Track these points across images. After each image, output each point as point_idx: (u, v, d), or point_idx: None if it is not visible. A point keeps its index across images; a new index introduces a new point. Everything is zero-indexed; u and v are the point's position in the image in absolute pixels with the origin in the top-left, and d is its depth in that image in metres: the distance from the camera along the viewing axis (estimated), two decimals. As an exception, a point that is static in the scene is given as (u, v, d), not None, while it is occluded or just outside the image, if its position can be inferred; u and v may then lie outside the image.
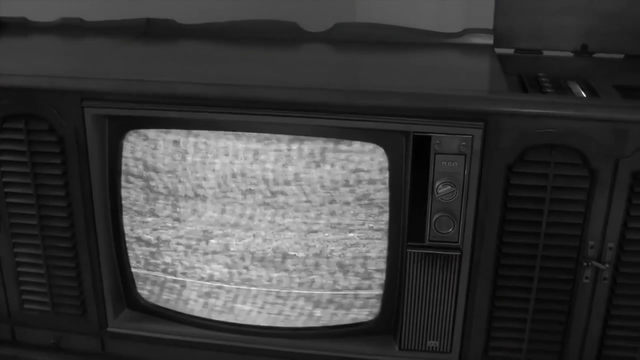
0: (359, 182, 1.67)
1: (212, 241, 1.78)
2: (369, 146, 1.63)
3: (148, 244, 1.82)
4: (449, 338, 1.77)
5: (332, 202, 1.69)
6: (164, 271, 1.84)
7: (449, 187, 1.62)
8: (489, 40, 2.05)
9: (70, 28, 2.25)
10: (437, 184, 1.62)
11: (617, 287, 1.67)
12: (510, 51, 2.05)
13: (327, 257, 1.75)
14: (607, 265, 1.64)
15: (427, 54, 2.03)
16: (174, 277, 1.85)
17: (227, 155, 1.68)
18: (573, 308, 1.70)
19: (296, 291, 1.80)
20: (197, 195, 1.74)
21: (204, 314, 1.88)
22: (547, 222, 1.62)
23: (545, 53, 2.03)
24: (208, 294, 1.85)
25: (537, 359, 1.77)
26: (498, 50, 2.02)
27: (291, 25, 2.14)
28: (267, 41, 2.12)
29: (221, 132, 1.67)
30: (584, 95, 1.77)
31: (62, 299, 1.91)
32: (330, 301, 1.80)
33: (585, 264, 1.65)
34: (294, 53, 2.08)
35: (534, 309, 1.71)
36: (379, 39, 2.11)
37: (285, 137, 1.65)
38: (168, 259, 1.83)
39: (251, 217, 1.73)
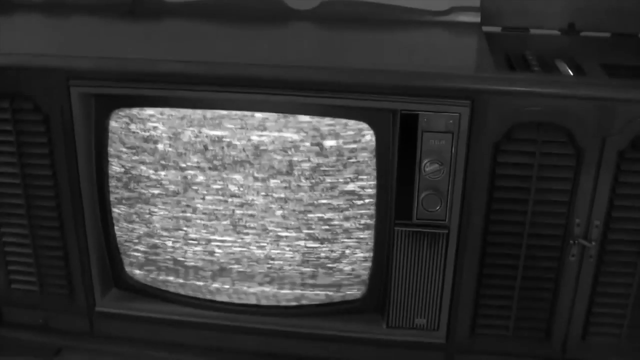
0: (347, 159, 1.67)
1: (200, 219, 1.78)
2: (356, 124, 1.63)
3: (135, 222, 1.82)
4: (437, 316, 1.78)
5: (319, 179, 1.69)
6: (152, 249, 1.84)
7: (437, 165, 1.62)
8: (476, 18, 2.05)
9: (55, 6, 2.22)
10: (425, 162, 1.62)
11: (603, 264, 1.68)
12: (498, 29, 2.04)
13: (314, 235, 1.75)
14: (593, 243, 1.65)
15: (414, 32, 2.02)
16: (161, 256, 1.85)
17: (214, 131, 1.68)
18: (559, 285, 1.71)
19: (284, 269, 1.81)
20: (184, 171, 1.73)
21: (192, 292, 1.88)
22: (534, 200, 1.63)
23: (533, 31, 2.03)
24: (196, 273, 1.85)
25: (524, 335, 1.78)
26: (485, 29, 2.02)
27: (277, 3, 2.13)
28: (253, 19, 2.11)
29: (209, 109, 1.67)
30: (571, 73, 1.77)
31: (50, 278, 1.91)
32: (318, 279, 1.81)
33: (571, 241, 1.66)
34: (280, 31, 2.07)
35: (521, 286, 1.72)
36: (366, 16, 2.10)
37: (273, 115, 1.65)
38: (156, 238, 1.82)
39: (237, 195, 1.73)
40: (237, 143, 1.68)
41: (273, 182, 1.71)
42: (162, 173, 1.74)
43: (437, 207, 1.66)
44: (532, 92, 1.57)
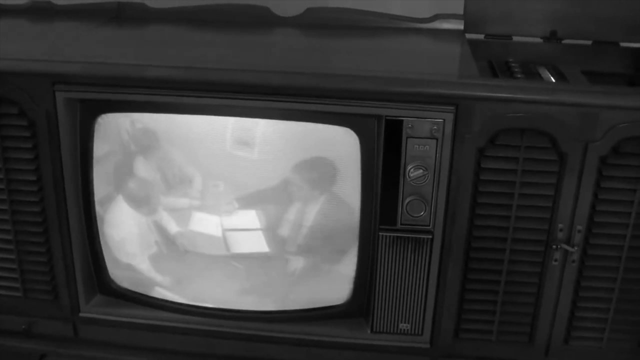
0: (331, 165, 1.68)
1: (183, 223, 1.78)
2: (341, 130, 1.64)
3: (120, 227, 1.82)
4: (421, 320, 1.79)
5: (303, 185, 1.70)
6: (136, 255, 1.84)
7: (421, 170, 1.63)
8: (459, 25, 2.06)
9: (40, 11, 2.22)
10: (409, 167, 1.63)
11: (585, 269, 1.70)
12: (481, 37, 2.06)
13: (299, 240, 1.75)
14: (575, 248, 1.67)
15: (399, 39, 2.03)
16: (145, 261, 1.84)
17: (198, 137, 1.68)
18: (542, 290, 1.73)
19: (268, 274, 1.81)
20: (168, 176, 1.73)
21: (175, 298, 1.88)
22: (517, 206, 1.64)
23: (515, 39, 2.04)
24: (180, 278, 1.85)
25: (508, 340, 1.79)
26: (468, 36, 2.04)
27: (263, 9, 2.14)
28: (238, 25, 2.12)
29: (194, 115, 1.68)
30: (553, 80, 1.79)
31: (34, 284, 1.90)
32: (302, 284, 1.81)
33: (554, 246, 1.67)
34: (266, 37, 2.08)
35: (504, 291, 1.73)
36: (351, 23, 2.11)
37: (259, 119, 1.66)
38: (140, 242, 1.82)
39: (220, 199, 1.74)
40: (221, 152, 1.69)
41: (256, 188, 1.71)
42: (147, 177, 1.75)
43: (422, 213, 1.67)
44: (515, 99, 1.58)
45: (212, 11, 2.16)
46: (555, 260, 1.69)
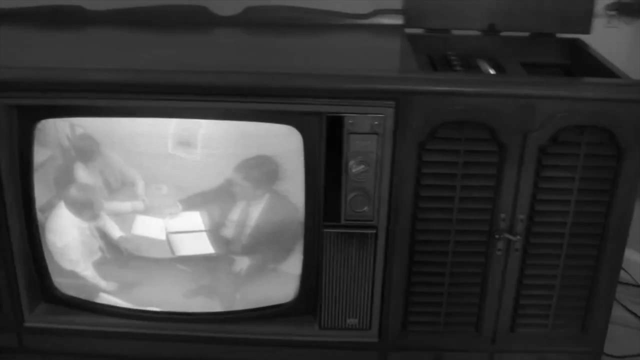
0: (274, 163, 1.67)
1: (127, 228, 1.76)
2: (283, 128, 1.64)
3: (62, 234, 1.79)
4: (368, 315, 1.79)
5: (246, 184, 1.69)
6: (80, 261, 1.82)
7: (363, 166, 1.63)
8: (398, 20, 2.06)
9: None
10: (351, 163, 1.63)
11: (528, 257, 1.72)
12: (420, 31, 2.07)
13: (244, 240, 1.75)
14: (518, 237, 1.69)
15: (338, 36, 2.03)
16: (90, 268, 1.82)
17: (139, 139, 1.67)
18: (487, 279, 1.75)
19: (214, 275, 1.81)
20: (110, 181, 1.72)
21: (122, 303, 1.86)
22: (459, 197, 1.66)
23: (454, 32, 2.06)
24: (126, 283, 1.83)
25: (455, 330, 1.81)
26: (408, 30, 2.04)
27: (201, 9, 2.12)
28: (177, 26, 2.10)
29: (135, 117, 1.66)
30: (492, 72, 1.81)
31: (-25, 295, 1.86)
32: (249, 284, 1.81)
33: (497, 236, 1.69)
34: (205, 37, 2.06)
35: (450, 282, 1.75)
36: (291, 21, 2.10)
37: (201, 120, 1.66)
38: (83, 249, 1.80)
39: (164, 202, 1.73)
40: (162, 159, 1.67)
41: (199, 189, 1.71)
42: (89, 183, 1.73)
43: (365, 208, 1.67)
44: (455, 92, 1.60)
45: (149, 13, 2.14)
46: (499, 250, 1.71)
